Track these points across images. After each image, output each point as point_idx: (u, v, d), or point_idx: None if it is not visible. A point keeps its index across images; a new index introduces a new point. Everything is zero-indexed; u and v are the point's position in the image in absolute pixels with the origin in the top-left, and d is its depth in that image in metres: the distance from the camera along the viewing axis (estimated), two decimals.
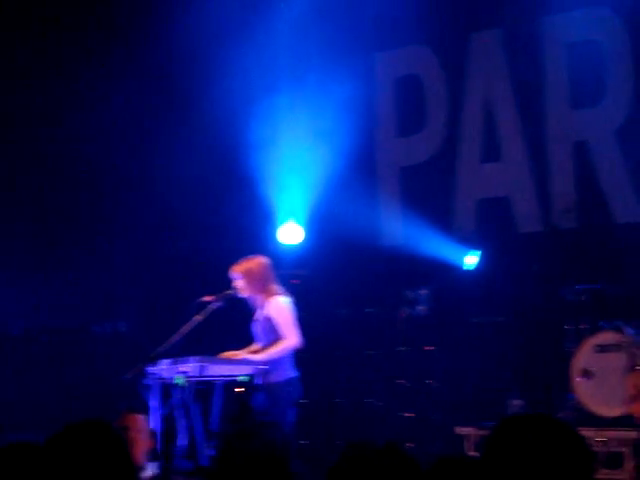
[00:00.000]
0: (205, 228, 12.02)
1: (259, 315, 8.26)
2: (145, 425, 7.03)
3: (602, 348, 9.38)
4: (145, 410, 7.56)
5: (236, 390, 7.72)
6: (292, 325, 8.14)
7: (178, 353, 7.98)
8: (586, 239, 10.39)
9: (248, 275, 8.22)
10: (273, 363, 8.04)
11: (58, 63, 12.04)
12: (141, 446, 6.77)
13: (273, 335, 8.13)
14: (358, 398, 11.28)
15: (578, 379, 9.41)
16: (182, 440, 7.70)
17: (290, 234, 12.00)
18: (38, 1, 12.15)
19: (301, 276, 11.08)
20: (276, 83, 12.16)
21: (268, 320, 8.14)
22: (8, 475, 3.39)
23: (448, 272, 11.09)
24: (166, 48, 11.87)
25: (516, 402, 9.86)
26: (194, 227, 12.10)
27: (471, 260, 11.11)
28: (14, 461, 3.41)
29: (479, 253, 11.09)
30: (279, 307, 8.16)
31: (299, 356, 8.42)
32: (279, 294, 8.25)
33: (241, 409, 7.66)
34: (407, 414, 10.80)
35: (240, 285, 8.23)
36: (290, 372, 8.13)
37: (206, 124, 11.83)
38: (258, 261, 8.34)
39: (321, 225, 11.89)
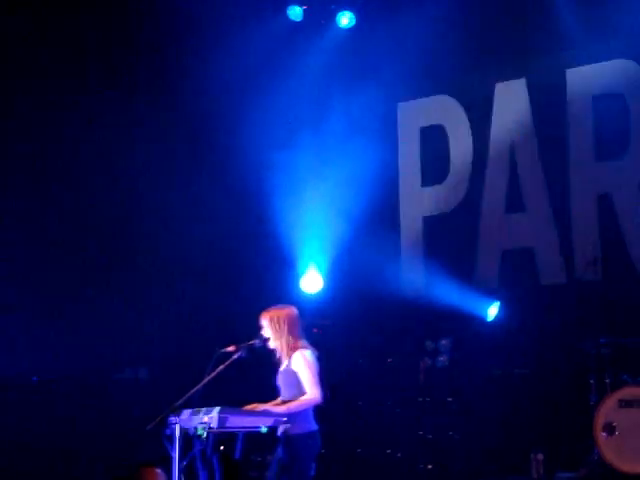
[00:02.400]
0: (228, 277, 12.02)
1: (283, 367, 8.21)
2: (161, 478, 6.97)
3: (626, 403, 9.28)
4: (165, 461, 7.51)
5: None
6: (314, 380, 8.08)
7: (199, 403, 7.94)
8: (609, 291, 10.32)
9: (275, 324, 8.18)
10: (294, 416, 7.97)
11: (84, 107, 12.10)
12: None
13: (296, 388, 8.07)
14: (379, 449, 11.19)
15: (602, 434, 9.30)
16: None
17: (312, 284, 11.97)
18: (65, 40, 12.20)
19: (323, 325, 11.04)
20: (299, 133, 12.20)
21: (292, 373, 8.09)
22: None
23: (470, 323, 11.04)
24: (191, 97, 11.95)
25: (538, 456, 9.75)
26: (217, 276, 12.10)
27: (493, 311, 11.05)
28: None
29: (501, 304, 11.03)
30: (303, 361, 8.09)
31: (320, 406, 8.37)
32: (304, 347, 8.21)
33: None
34: (428, 465, 10.71)
35: (266, 333, 8.20)
36: (310, 425, 8.06)
37: (230, 174, 11.88)
38: (286, 311, 8.29)
39: (343, 274, 11.88)
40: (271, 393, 8.47)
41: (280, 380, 8.22)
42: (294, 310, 8.35)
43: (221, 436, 7.95)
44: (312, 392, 8.05)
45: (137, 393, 11.85)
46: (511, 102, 11.47)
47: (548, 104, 11.14)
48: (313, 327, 10.17)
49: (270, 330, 8.18)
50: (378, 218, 11.75)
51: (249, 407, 8.16)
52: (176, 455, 7.71)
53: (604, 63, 10.85)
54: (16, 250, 12.02)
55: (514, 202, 11.35)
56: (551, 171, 11.11)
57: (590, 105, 10.94)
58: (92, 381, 11.99)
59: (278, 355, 8.26)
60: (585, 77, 10.98)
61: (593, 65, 10.92)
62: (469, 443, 10.63)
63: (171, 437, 7.80)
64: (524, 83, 11.40)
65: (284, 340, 8.17)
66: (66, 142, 12.13)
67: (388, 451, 11.11)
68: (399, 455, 11.04)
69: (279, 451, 7.97)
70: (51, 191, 12.21)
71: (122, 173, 12.05)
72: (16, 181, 12.10)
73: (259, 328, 8.32)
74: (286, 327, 8.18)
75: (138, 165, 12.14)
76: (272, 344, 8.22)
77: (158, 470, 6.92)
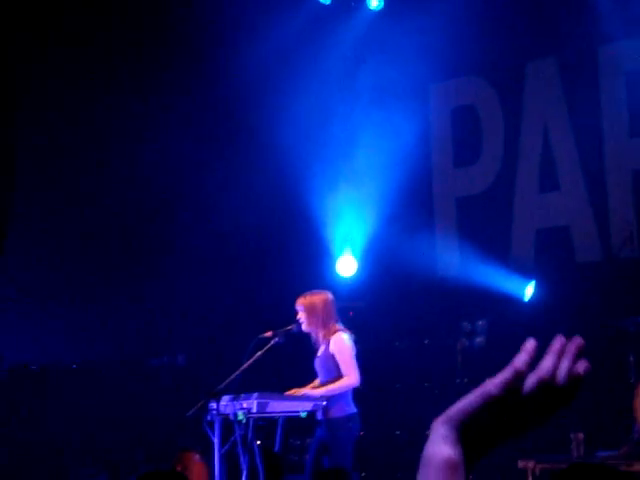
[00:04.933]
0: (263, 261, 12.06)
1: (321, 351, 8.24)
2: (202, 465, 7.02)
3: None
4: (205, 447, 7.57)
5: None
6: (352, 363, 8.13)
7: (239, 389, 7.99)
8: None
9: (311, 309, 8.22)
10: (333, 399, 8.02)
11: (123, 93, 12.15)
12: None
13: (334, 372, 8.11)
14: (417, 430, 11.20)
15: None
16: (244, 477, 7.69)
17: (347, 266, 11.99)
18: (100, 31, 12.26)
19: (358, 308, 11.06)
20: (332, 117, 12.19)
21: (330, 357, 8.13)
22: None
23: (506, 303, 11.00)
24: (225, 81, 11.99)
25: (578, 435, 9.72)
26: (252, 260, 12.14)
27: (529, 291, 11.02)
28: None
29: (537, 283, 11.00)
30: (341, 344, 8.14)
31: (357, 389, 8.39)
32: (341, 331, 8.24)
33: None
34: None
35: (302, 318, 8.24)
36: (350, 408, 8.10)
37: (264, 158, 11.90)
38: (322, 297, 8.33)
39: (377, 257, 11.88)
40: (309, 377, 8.51)
41: (318, 364, 8.26)
42: (329, 295, 8.40)
43: (260, 422, 8.00)
44: (350, 375, 8.09)
45: (175, 379, 11.93)
46: (543, 80, 11.40)
47: (580, 81, 11.06)
48: (349, 310, 10.21)
49: (306, 315, 8.22)
50: (411, 200, 11.74)
51: (289, 392, 8.20)
52: (217, 441, 7.77)
53: (637, 38, 10.75)
54: (51, 240, 12.11)
55: (548, 181, 11.29)
56: (585, 148, 11.04)
57: (623, 81, 10.85)
58: (130, 367, 12.08)
59: (315, 340, 8.30)
60: (617, 53, 10.89)
61: (625, 41, 10.82)
62: None
63: (212, 423, 7.87)
64: (555, 61, 11.32)
65: (321, 325, 8.22)
66: (97, 128, 12.19)
67: (427, 433, 11.09)
68: None
69: (319, 434, 8.02)
70: (84, 178, 12.29)
71: (156, 158, 12.09)
72: (47, 170, 12.19)
73: (295, 313, 8.37)
74: (322, 312, 8.23)
75: (172, 150, 12.18)
76: (308, 329, 8.27)
77: (197, 456, 6.97)
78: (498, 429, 1.64)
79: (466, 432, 1.62)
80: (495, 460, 10.36)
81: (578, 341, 1.67)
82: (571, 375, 1.61)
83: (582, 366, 1.63)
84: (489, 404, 1.61)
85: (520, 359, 1.62)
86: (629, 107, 10.81)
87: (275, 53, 11.82)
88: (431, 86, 12.23)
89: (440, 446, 1.66)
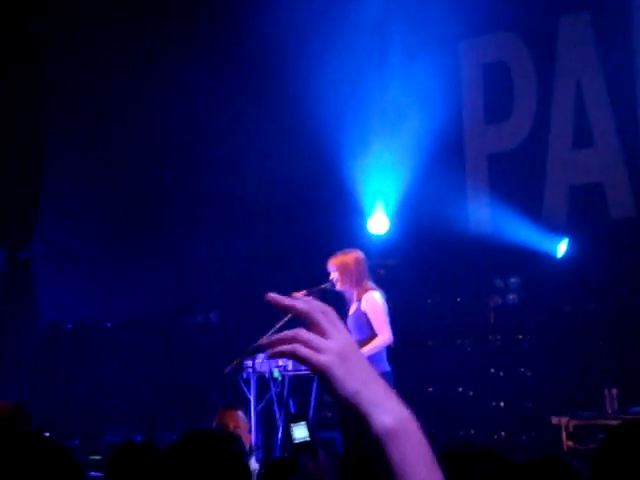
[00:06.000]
0: (295, 219, 12.08)
1: (353, 310, 8.28)
2: (243, 421, 7.09)
3: None
4: (242, 404, 7.63)
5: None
6: (385, 322, 8.17)
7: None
8: None
9: (343, 269, 8.25)
10: (367, 357, 8.06)
11: (150, 59, 12.17)
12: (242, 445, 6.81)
13: (367, 330, 8.15)
14: (450, 387, 11.26)
15: None
16: (279, 433, 7.76)
17: (379, 224, 11.99)
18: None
19: (390, 266, 11.07)
20: (363, 74, 12.14)
21: (362, 315, 8.16)
22: (130, 474, 3.46)
23: (539, 260, 10.98)
24: (259, 47, 11.98)
25: (612, 391, 9.73)
26: (284, 219, 12.16)
27: (562, 248, 10.99)
28: (135, 461, 3.48)
29: (570, 240, 10.96)
30: (373, 303, 8.17)
31: (390, 347, 8.43)
32: (373, 289, 8.26)
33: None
34: (500, 403, 10.75)
35: (335, 277, 8.27)
36: (384, 366, 8.14)
37: (295, 118, 11.87)
38: (354, 255, 8.36)
39: (409, 214, 11.86)
40: None
41: (351, 323, 8.29)
42: (361, 254, 8.42)
43: (296, 379, 8.06)
44: (383, 333, 8.12)
45: (209, 337, 12.01)
46: (576, 35, 11.28)
47: (613, 35, 10.93)
48: (380, 268, 10.22)
49: (338, 274, 8.26)
50: (443, 157, 11.68)
51: None
52: (253, 398, 7.84)
53: None
54: (86, 202, 12.19)
55: (581, 137, 11.20)
56: (619, 104, 10.93)
57: None
58: (164, 325, 12.17)
59: (348, 298, 8.34)
60: None
61: None
62: (541, 380, 10.64)
63: (248, 380, 7.94)
64: (588, 14, 11.20)
65: (353, 283, 8.25)
66: (125, 95, 12.22)
67: (460, 389, 11.17)
68: (470, 393, 11.10)
69: None
70: (114, 142, 12.33)
71: (186, 116, 12.11)
72: (77, 137, 12.25)
73: (328, 272, 8.40)
74: (354, 271, 8.26)
75: (202, 107, 12.19)
76: (341, 288, 8.30)
77: (239, 412, 7.02)
78: None
79: None
80: (529, 415, 10.41)
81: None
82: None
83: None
84: None
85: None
86: None
87: (305, 11, 11.75)
88: (462, 42, 12.14)
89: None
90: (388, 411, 1.80)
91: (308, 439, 3.58)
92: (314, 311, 1.85)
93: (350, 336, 1.86)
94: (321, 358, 1.81)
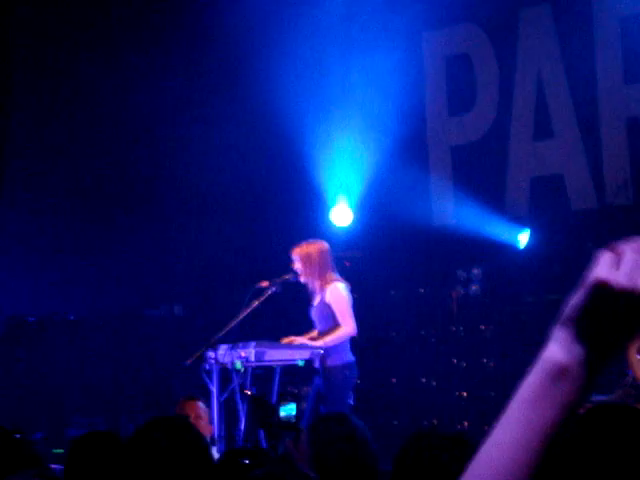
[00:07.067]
0: (257, 211, 12.08)
1: (317, 301, 8.29)
2: (204, 412, 7.09)
3: None
4: (204, 395, 7.63)
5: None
6: (349, 313, 8.19)
7: (236, 338, 8.04)
8: None
9: (307, 259, 8.26)
10: (330, 348, 8.08)
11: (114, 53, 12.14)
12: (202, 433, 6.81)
13: (331, 321, 8.17)
14: (413, 378, 11.30)
15: (636, 356, 9.32)
16: (241, 425, 7.76)
17: (342, 216, 12.01)
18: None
19: (353, 258, 11.10)
20: (325, 66, 12.14)
21: (326, 306, 8.18)
22: (91, 462, 3.45)
23: (501, 251, 11.05)
24: (220, 41, 11.95)
25: None
26: (246, 210, 12.16)
27: (524, 238, 11.06)
28: (97, 450, 3.47)
29: (532, 231, 11.03)
30: (337, 294, 8.19)
31: (354, 338, 8.46)
32: (337, 280, 8.28)
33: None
34: (463, 393, 10.81)
35: (299, 268, 8.27)
36: (347, 356, 8.17)
37: (258, 109, 11.87)
38: (318, 246, 8.37)
39: (372, 206, 11.89)
40: (305, 327, 8.56)
41: (315, 314, 8.31)
42: (325, 244, 8.43)
43: (258, 371, 8.07)
44: (347, 324, 8.15)
45: (172, 329, 11.99)
46: (537, 27, 11.33)
47: (574, 27, 10.99)
48: (344, 260, 10.25)
49: (302, 265, 8.27)
50: (406, 149, 11.71)
51: (286, 340, 8.26)
52: (215, 389, 7.84)
53: None
54: (47, 192, 12.13)
55: (542, 129, 11.27)
56: (579, 96, 11.01)
57: (618, 27, 10.79)
58: (128, 318, 12.14)
59: (311, 289, 8.35)
60: None
61: None
62: (503, 370, 10.70)
63: (210, 372, 7.93)
64: (549, 7, 11.26)
65: (317, 274, 8.26)
66: (89, 80, 12.17)
67: (423, 380, 11.22)
68: (434, 384, 11.15)
69: (317, 383, 8.09)
70: (78, 129, 12.29)
71: (147, 108, 12.07)
72: (42, 121, 12.20)
73: (291, 263, 8.41)
74: (318, 261, 8.27)
75: (163, 98, 12.15)
76: (304, 279, 8.31)
77: (200, 403, 7.03)
78: (617, 320, 1.54)
79: (584, 329, 1.55)
80: (492, 405, 10.47)
81: None
82: None
83: None
84: (598, 294, 1.55)
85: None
86: (624, 53, 10.76)
87: (267, 3, 11.74)
88: (424, 34, 12.16)
89: (551, 350, 1.60)
90: None
91: (293, 420, 3.58)
92: None
93: None
94: None
